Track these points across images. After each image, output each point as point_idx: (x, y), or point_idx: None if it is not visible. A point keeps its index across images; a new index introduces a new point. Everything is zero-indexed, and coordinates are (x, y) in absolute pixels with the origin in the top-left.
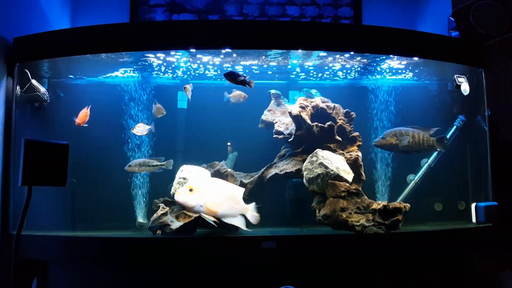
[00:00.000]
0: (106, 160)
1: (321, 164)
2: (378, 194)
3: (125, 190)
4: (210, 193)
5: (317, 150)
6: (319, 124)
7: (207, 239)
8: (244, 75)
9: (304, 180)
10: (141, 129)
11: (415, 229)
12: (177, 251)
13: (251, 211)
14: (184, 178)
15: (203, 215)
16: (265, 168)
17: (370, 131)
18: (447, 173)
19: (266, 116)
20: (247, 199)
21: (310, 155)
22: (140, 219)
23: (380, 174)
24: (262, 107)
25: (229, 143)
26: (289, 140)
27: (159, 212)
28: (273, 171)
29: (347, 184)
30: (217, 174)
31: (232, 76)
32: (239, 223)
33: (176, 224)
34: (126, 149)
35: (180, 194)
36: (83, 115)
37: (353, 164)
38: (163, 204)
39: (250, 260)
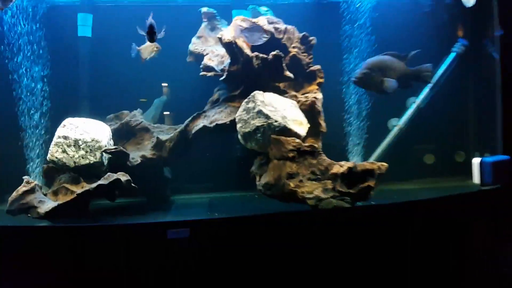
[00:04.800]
0: None
1: (260, 112)
2: (349, 152)
3: None
4: None
5: (255, 92)
6: (261, 55)
7: (83, 228)
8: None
9: (239, 136)
10: (148, 50)
11: (395, 196)
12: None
13: None
14: (65, 137)
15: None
16: (190, 119)
17: (338, 63)
18: (441, 116)
19: (195, 45)
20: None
21: (246, 99)
22: None
23: (352, 123)
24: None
25: (165, 84)
26: (221, 78)
27: (21, 189)
28: (200, 123)
29: (297, 140)
30: (125, 128)
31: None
32: None
33: (47, 205)
34: None
35: None
36: None
37: (309, 110)
38: (27, 178)
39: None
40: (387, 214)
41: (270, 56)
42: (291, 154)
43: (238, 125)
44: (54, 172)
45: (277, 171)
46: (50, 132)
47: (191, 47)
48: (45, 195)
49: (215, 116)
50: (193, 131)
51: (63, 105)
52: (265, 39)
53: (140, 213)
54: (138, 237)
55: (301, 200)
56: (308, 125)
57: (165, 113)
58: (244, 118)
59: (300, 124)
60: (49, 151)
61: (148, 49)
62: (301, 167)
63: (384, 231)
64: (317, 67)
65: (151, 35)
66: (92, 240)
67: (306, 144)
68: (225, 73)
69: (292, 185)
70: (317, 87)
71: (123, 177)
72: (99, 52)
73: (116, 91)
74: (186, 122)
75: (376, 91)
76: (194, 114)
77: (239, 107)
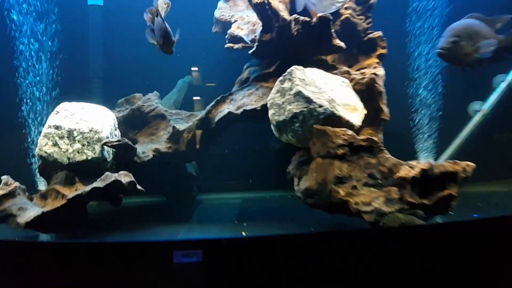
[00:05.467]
0: None
1: (299, 94)
2: (419, 150)
3: None
4: None
5: (293, 68)
6: (302, 18)
7: (62, 246)
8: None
9: (272, 125)
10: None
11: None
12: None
13: None
14: (57, 127)
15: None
16: (213, 103)
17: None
18: None
19: (221, 10)
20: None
21: (281, 78)
22: (42, 186)
23: (423, 110)
24: None
25: (194, 68)
26: (251, 51)
27: None
28: (225, 109)
29: (350, 132)
30: (137, 114)
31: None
32: None
33: (29, 214)
34: None
35: None
36: None
37: (366, 91)
38: (7, 178)
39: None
40: (477, 233)
41: (314, 20)
42: (341, 151)
43: (271, 112)
44: (51, 169)
45: (322, 173)
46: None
47: (217, 13)
48: (32, 199)
49: (243, 100)
50: (216, 119)
51: (70, 85)
52: (340, 5)
53: (150, 219)
54: (136, 259)
55: (354, 213)
56: (365, 111)
57: (194, 98)
58: (278, 102)
59: (353, 110)
60: (38, 144)
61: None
62: (355, 169)
63: (475, 259)
64: (378, 34)
65: (168, 44)
66: (75, 262)
67: (362, 137)
68: (256, 44)
69: (342, 192)
70: (377, 60)
71: (125, 177)
72: (112, 23)
73: (132, 69)
74: (208, 107)
75: (465, 65)
76: (218, 98)
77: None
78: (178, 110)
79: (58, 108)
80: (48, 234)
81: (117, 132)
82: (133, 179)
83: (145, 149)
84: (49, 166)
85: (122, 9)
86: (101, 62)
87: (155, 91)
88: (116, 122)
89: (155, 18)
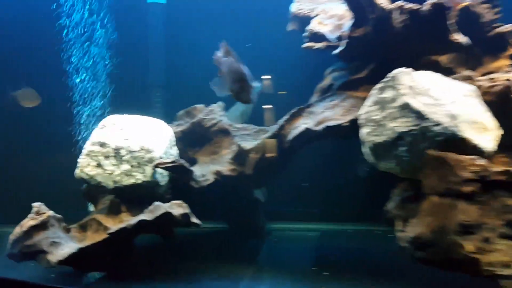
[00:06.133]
0: None
1: (406, 107)
2: None
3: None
4: None
5: (397, 72)
6: (408, 6)
7: None
8: None
9: (365, 148)
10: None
11: None
12: None
13: None
14: (102, 144)
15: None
16: (287, 117)
17: None
18: None
19: (300, 4)
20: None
21: (379, 84)
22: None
23: None
24: None
25: (266, 77)
26: (338, 51)
27: (26, 223)
28: (301, 125)
29: (480, 161)
30: (198, 130)
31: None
32: None
33: (62, 251)
34: None
35: None
36: None
37: (499, 104)
38: (38, 206)
39: None
40: None
41: (425, 8)
42: (467, 188)
43: (365, 130)
44: (98, 191)
45: (439, 217)
46: None
47: (294, 7)
48: (68, 230)
49: (325, 114)
50: (291, 137)
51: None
52: None
53: (209, 257)
54: None
55: (488, 276)
56: (500, 132)
57: (264, 106)
58: (376, 117)
59: (483, 130)
60: (78, 164)
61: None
62: (488, 213)
63: None
64: (509, 27)
65: (246, 91)
66: None
67: (497, 169)
68: (345, 41)
69: (469, 247)
70: (509, 62)
71: (178, 209)
72: (175, 23)
73: (197, 75)
74: (280, 122)
75: None
76: (294, 110)
77: (365, 98)
78: (245, 125)
79: (104, 121)
80: (84, 272)
81: (174, 151)
82: (187, 210)
83: (205, 171)
84: (94, 189)
85: (187, 8)
86: (161, 68)
87: (219, 102)
88: (174, 139)
89: (222, 58)
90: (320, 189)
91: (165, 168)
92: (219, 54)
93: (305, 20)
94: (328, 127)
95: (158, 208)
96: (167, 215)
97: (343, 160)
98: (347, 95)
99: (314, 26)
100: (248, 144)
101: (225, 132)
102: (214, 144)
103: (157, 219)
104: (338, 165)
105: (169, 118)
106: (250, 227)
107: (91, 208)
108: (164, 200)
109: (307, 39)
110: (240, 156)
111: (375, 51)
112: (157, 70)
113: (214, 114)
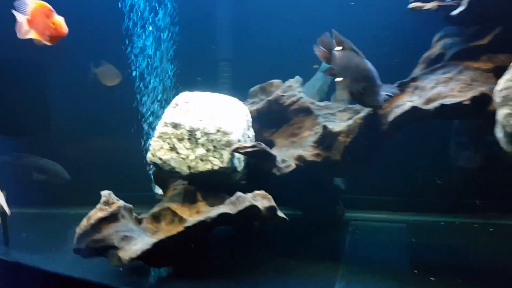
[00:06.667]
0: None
1: None
2: None
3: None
4: None
5: None
6: None
7: None
8: None
9: (501, 134)
10: None
11: None
12: None
13: None
14: (175, 125)
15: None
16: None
17: None
18: None
19: None
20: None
21: None
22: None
23: None
24: None
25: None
26: (457, 11)
27: (93, 215)
28: (405, 102)
29: None
30: (274, 108)
31: None
32: None
33: (134, 246)
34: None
35: None
36: None
37: None
38: (108, 195)
39: None
40: None
41: None
42: None
43: (504, 111)
44: (169, 175)
45: None
46: None
47: None
48: (140, 221)
49: (437, 89)
50: (391, 117)
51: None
52: None
53: (288, 251)
54: None
55: None
56: None
57: (337, 79)
58: None
59: None
60: (150, 148)
61: None
62: None
63: None
64: None
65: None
66: None
67: None
68: (466, 0)
69: None
70: None
71: (263, 201)
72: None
73: (267, 48)
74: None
75: None
76: (395, 84)
77: (490, 70)
78: (327, 102)
79: (176, 99)
80: (157, 267)
81: (251, 133)
82: (273, 203)
83: (285, 155)
84: (165, 173)
85: None
86: (229, 41)
87: (297, 76)
88: (250, 119)
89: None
90: (405, 175)
91: (245, 153)
92: (332, 45)
93: None
94: (443, 105)
95: (242, 200)
96: (252, 208)
97: (434, 145)
98: (465, 66)
99: None
100: (335, 126)
101: (306, 111)
102: (293, 125)
103: (240, 213)
104: (428, 150)
105: (237, 95)
106: (328, 216)
107: (157, 190)
108: (240, 188)
109: None
110: (326, 139)
111: (503, 12)
112: (225, 44)
113: (293, 90)
